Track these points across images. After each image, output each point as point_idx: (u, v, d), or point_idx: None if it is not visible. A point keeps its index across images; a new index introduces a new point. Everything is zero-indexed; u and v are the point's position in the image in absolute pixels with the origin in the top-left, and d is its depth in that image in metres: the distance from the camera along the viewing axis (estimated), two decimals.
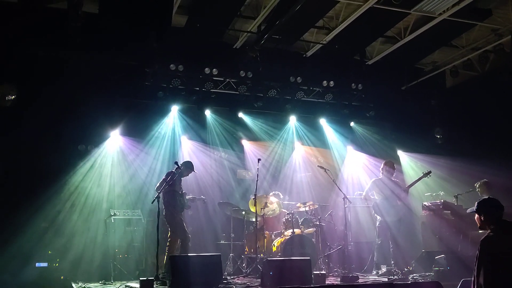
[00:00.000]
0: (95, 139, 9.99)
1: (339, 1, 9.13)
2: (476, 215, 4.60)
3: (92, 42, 9.36)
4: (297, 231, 9.38)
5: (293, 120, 11.91)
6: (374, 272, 9.02)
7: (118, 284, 8.10)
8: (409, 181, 9.82)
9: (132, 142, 10.36)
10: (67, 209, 9.16)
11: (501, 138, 10.51)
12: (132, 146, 10.34)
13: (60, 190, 9.23)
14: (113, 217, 9.10)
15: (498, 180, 9.30)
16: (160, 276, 7.60)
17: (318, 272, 7.82)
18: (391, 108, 12.27)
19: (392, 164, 9.48)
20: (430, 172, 9.31)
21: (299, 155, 12.21)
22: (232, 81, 10.99)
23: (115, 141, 10.27)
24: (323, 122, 12.21)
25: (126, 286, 7.66)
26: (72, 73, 9.38)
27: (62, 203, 9.16)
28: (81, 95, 9.56)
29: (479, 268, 4.22)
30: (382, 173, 9.40)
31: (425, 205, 10.15)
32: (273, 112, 11.67)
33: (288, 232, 9.38)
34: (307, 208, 9.96)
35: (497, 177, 9.42)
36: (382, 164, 9.50)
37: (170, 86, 10.34)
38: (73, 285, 8.01)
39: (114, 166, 10.10)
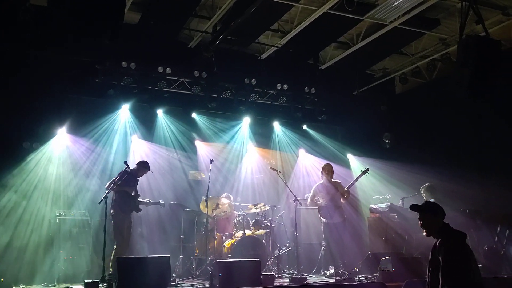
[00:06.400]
0: (41, 136, 9.62)
1: (294, 5, 9.23)
2: (427, 218, 4.69)
3: (41, 36, 9.03)
4: (248, 232, 9.38)
5: (246, 122, 11.92)
6: (322, 273, 9.14)
7: (62, 286, 7.85)
8: (356, 183, 10.01)
9: (79, 141, 10.03)
10: (9, 208, 8.74)
11: (446, 143, 10.90)
12: (79, 144, 10.02)
13: (3, 189, 8.81)
14: (58, 217, 8.84)
15: (442, 184, 9.66)
16: (107, 278, 7.41)
17: (267, 274, 7.87)
18: (343, 112, 12.51)
19: (330, 166, 9.67)
20: (367, 169, 9.54)
21: (251, 156, 12.25)
22: (186, 81, 10.90)
23: (62, 139, 9.93)
24: (276, 124, 12.31)
25: None
26: (19, 68, 9.03)
27: (4, 202, 8.74)
28: (28, 91, 9.21)
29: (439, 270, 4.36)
30: (322, 177, 9.56)
31: (372, 207, 10.41)
32: (227, 113, 11.65)
33: (239, 234, 9.37)
34: (258, 210, 9.98)
35: (442, 181, 9.78)
36: (322, 168, 9.67)
37: (122, 84, 10.14)
38: None
39: (61, 165, 9.76)
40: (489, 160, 10.41)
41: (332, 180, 9.56)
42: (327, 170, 9.56)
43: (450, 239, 4.52)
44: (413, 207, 4.82)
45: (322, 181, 9.60)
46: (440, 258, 4.42)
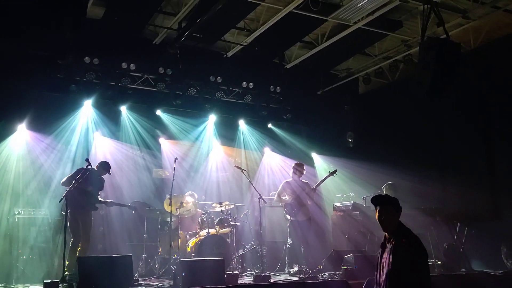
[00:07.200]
0: None
1: (260, 4, 9.24)
2: (389, 213, 4.48)
3: (1, 30, 8.75)
4: (212, 231, 9.35)
5: (212, 120, 11.87)
6: (286, 271, 9.20)
7: (21, 287, 7.63)
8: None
9: (40, 137, 9.77)
10: None
11: (407, 143, 11.15)
12: (40, 141, 9.75)
13: None
14: (17, 216, 8.57)
15: (403, 183, 9.87)
16: (67, 278, 7.24)
17: (231, 272, 7.85)
18: (307, 112, 12.63)
19: (302, 165, 9.71)
20: (335, 171, 9.64)
21: (217, 155, 12.20)
22: (150, 78, 10.77)
23: (21, 136, 9.65)
24: (241, 122, 12.31)
25: None
26: None
27: None
28: None
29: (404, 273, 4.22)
30: (294, 174, 9.62)
31: (336, 206, 10.53)
32: (192, 111, 11.56)
33: (203, 232, 9.32)
34: (223, 208, 9.95)
35: (403, 179, 9.99)
36: (293, 165, 9.73)
37: (84, 79, 9.95)
38: None
39: (20, 162, 9.47)
40: (449, 159, 10.72)
41: (302, 179, 9.60)
42: (299, 169, 9.56)
43: (415, 241, 4.33)
44: (377, 200, 4.59)
45: (291, 178, 9.64)
46: (406, 261, 4.22)
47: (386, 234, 4.55)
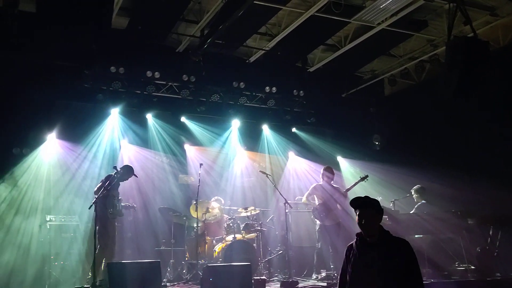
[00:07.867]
0: (30, 142, 9.60)
1: (282, 9, 9.25)
2: (373, 216, 4.19)
3: (29, 42, 9.00)
4: (238, 236, 9.35)
5: (235, 125, 11.92)
6: (314, 277, 9.12)
7: None
8: (348, 186, 10.00)
9: (69, 146, 10.00)
10: None
11: (435, 145, 10.94)
12: (69, 149, 9.99)
13: None
14: (48, 222, 8.77)
15: (432, 186, 9.68)
16: (97, 283, 7.34)
17: (258, 278, 7.84)
18: (332, 115, 12.54)
19: (332, 169, 9.63)
20: (367, 176, 9.48)
21: (241, 160, 12.21)
22: (174, 85, 10.87)
23: (51, 145, 9.90)
24: (265, 127, 12.31)
25: None
26: (8, 74, 8.96)
27: None
28: (16, 97, 9.20)
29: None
30: (323, 178, 9.53)
31: None
32: (216, 117, 11.63)
33: (230, 238, 9.34)
34: (248, 213, 9.95)
35: (432, 182, 9.79)
36: (322, 170, 9.64)
37: (110, 88, 10.12)
38: None
39: (51, 170, 9.72)
40: (478, 161, 10.44)
41: (332, 184, 9.51)
42: (327, 174, 9.45)
43: (406, 243, 4.14)
44: (357, 202, 4.26)
45: (321, 182, 9.53)
46: (408, 264, 4.05)
47: (368, 238, 4.23)
